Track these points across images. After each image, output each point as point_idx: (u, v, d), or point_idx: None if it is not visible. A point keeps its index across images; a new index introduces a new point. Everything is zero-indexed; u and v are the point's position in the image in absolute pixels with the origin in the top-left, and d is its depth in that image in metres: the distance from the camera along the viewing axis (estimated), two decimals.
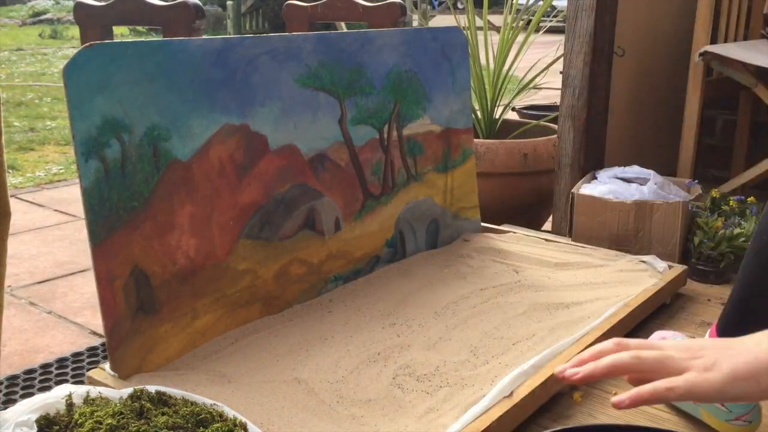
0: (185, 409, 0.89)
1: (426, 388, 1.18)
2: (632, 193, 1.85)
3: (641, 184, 1.91)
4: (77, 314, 1.84)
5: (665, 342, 0.73)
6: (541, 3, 2.75)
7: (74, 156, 1.11)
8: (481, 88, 2.58)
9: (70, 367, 1.54)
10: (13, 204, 1.16)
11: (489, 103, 2.60)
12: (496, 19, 4.75)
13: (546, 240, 1.86)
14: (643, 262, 1.68)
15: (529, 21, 2.73)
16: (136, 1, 1.82)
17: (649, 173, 1.97)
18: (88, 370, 1.23)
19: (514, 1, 2.62)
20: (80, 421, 0.87)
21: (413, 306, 1.47)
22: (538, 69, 2.66)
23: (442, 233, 1.83)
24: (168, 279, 1.23)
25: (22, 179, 3.29)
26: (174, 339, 1.24)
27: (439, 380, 1.20)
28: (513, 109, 3.27)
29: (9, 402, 1.41)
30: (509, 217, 2.20)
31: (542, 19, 2.67)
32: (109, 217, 1.14)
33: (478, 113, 2.60)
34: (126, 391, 0.94)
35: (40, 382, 1.48)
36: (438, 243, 1.82)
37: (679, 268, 1.66)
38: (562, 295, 1.53)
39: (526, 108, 3.64)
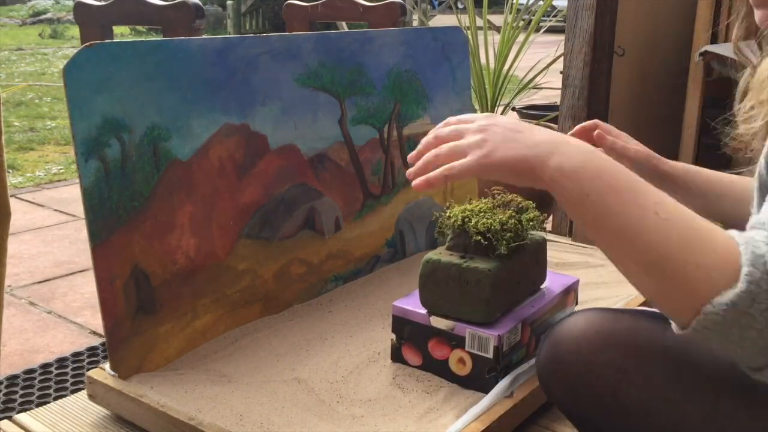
0: None
1: (426, 388, 1.18)
2: None
3: None
4: (77, 314, 1.84)
5: (473, 118, 0.82)
6: (541, 3, 2.75)
7: (74, 156, 1.11)
8: (482, 88, 2.58)
9: (70, 367, 1.55)
10: (13, 204, 1.16)
11: (489, 103, 2.60)
12: (497, 19, 4.75)
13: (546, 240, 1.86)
14: None
15: (530, 21, 2.73)
16: (136, 1, 1.82)
17: None
18: (88, 369, 1.23)
19: (514, 1, 2.62)
20: None
21: None
22: (538, 69, 2.66)
23: None
24: (168, 279, 1.23)
25: (22, 179, 3.29)
26: (174, 339, 1.24)
27: (439, 380, 1.19)
28: (513, 109, 3.27)
29: (9, 402, 1.41)
30: None
31: (542, 18, 2.68)
32: (109, 217, 1.14)
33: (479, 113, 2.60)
34: None
35: (40, 382, 1.48)
36: (438, 243, 1.82)
37: None
38: None
39: (526, 108, 3.64)
